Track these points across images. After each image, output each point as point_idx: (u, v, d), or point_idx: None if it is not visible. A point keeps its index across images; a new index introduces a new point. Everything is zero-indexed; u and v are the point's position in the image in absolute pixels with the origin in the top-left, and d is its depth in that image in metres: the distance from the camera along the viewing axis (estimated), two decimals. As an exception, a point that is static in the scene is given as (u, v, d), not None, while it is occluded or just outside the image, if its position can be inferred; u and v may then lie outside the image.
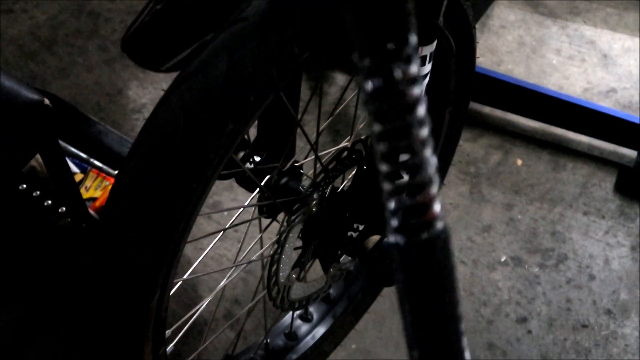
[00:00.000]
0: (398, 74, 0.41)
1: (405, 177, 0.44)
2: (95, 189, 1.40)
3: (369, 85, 0.41)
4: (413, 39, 0.41)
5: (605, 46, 2.10)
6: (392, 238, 0.44)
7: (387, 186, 0.44)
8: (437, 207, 0.44)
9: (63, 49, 2.00)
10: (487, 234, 1.65)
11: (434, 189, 0.43)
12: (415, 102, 0.41)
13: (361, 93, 0.43)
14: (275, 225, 1.12)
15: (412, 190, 0.43)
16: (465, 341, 0.47)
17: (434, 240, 0.44)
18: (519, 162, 1.81)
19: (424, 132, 0.42)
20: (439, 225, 0.44)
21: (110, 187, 1.37)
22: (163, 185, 0.80)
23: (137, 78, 1.93)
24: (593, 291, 1.56)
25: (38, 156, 1.19)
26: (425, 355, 0.46)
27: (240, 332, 1.29)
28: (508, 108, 1.88)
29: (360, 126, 1.20)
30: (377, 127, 0.42)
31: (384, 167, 0.43)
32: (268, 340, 1.33)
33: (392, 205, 0.44)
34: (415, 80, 0.41)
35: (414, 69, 0.41)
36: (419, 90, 0.42)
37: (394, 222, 0.44)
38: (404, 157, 0.43)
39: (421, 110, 0.42)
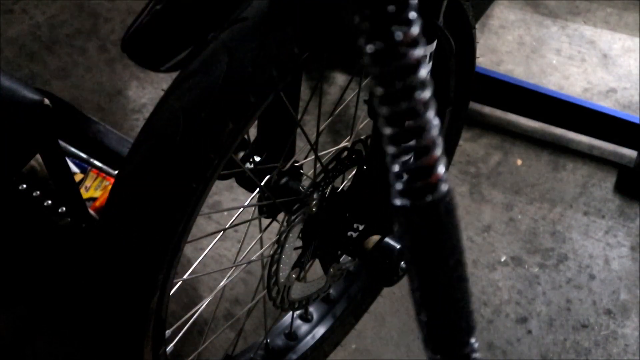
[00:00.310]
0: (399, 35, 0.41)
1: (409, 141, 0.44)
2: (95, 189, 1.40)
3: (370, 48, 0.41)
4: (413, 1, 0.41)
5: (605, 46, 2.10)
6: (397, 201, 0.44)
7: (391, 149, 0.43)
8: (441, 169, 0.43)
9: (63, 49, 2.00)
10: (487, 234, 1.65)
11: (438, 151, 0.43)
12: (416, 64, 0.41)
13: (363, 56, 0.42)
14: (275, 225, 1.12)
15: (416, 152, 0.43)
16: (472, 303, 0.47)
17: (438, 203, 0.43)
18: (519, 162, 1.81)
19: (427, 94, 0.42)
20: (443, 187, 0.44)
21: (110, 187, 1.37)
22: (163, 185, 0.80)
23: (137, 78, 1.93)
24: (593, 291, 1.56)
25: (38, 156, 1.19)
26: (433, 317, 0.46)
27: (240, 332, 1.29)
28: (508, 108, 1.88)
29: (360, 126, 1.20)
30: (379, 90, 0.42)
31: (387, 130, 0.43)
32: (268, 340, 1.33)
33: (396, 168, 0.44)
34: (416, 42, 0.41)
35: (414, 31, 0.41)
36: (420, 52, 0.41)
37: (399, 185, 0.43)
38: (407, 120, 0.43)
39: (423, 72, 0.41)
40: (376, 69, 0.42)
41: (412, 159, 0.43)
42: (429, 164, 0.43)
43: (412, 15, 0.40)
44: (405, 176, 0.43)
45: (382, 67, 0.41)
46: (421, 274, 0.45)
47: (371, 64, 0.41)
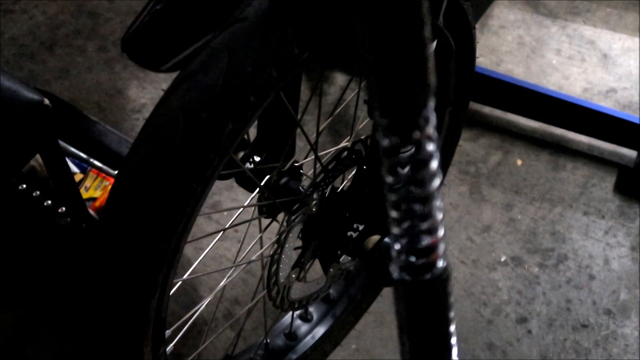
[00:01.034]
0: (416, 134, 0.42)
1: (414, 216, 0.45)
2: (95, 189, 1.40)
3: (386, 142, 0.43)
4: (431, 105, 0.42)
5: (605, 46, 2.10)
6: (396, 274, 0.46)
7: (395, 230, 0.46)
8: (441, 249, 0.46)
9: (63, 49, 2.00)
10: (487, 234, 1.65)
11: (440, 232, 0.45)
12: (429, 159, 0.43)
13: (379, 148, 0.44)
14: (275, 225, 1.12)
15: (420, 234, 0.45)
16: None
17: (435, 280, 0.46)
18: (519, 162, 1.81)
19: (435, 183, 0.44)
20: (441, 264, 0.46)
21: (110, 187, 1.37)
22: (163, 185, 0.80)
23: (137, 78, 1.93)
24: (593, 291, 1.56)
25: (38, 156, 1.19)
26: None
27: (240, 332, 1.29)
28: (508, 108, 1.88)
29: (360, 126, 1.20)
30: (389, 179, 0.44)
31: (394, 214, 0.45)
32: (268, 340, 1.33)
33: (398, 246, 0.46)
34: (431, 139, 0.43)
35: (430, 130, 0.43)
36: (433, 147, 0.43)
37: (400, 261, 0.46)
38: (414, 206, 0.45)
39: (434, 165, 0.43)
40: (389, 161, 0.44)
41: (414, 238, 0.45)
42: (431, 244, 0.46)
43: (429, 113, 0.42)
44: (406, 254, 0.46)
45: (396, 160, 0.43)
46: (412, 341, 0.48)
47: (385, 155, 0.44)
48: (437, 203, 0.45)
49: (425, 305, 0.47)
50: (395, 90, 0.41)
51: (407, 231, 0.45)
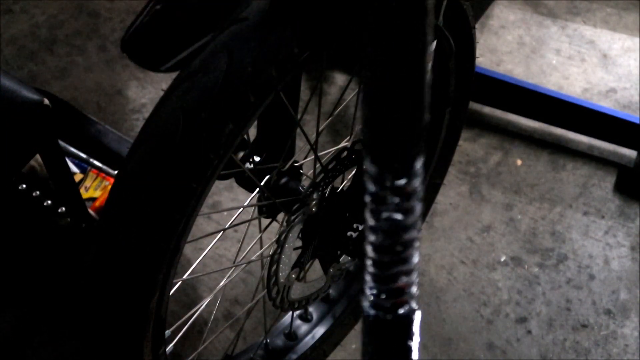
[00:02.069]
0: (403, 186, 0.44)
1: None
2: (95, 189, 1.40)
3: (372, 189, 0.45)
4: (418, 177, 0.44)
5: (605, 46, 2.10)
6: (365, 307, 0.49)
7: (370, 267, 0.47)
8: (412, 291, 0.48)
9: (63, 49, 2.00)
10: (486, 234, 1.65)
11: (414, 277, 0.48)
12: (411, 209, 0.45)
13: (364, 203, 0.45)
14: (275, 225, 1.12)
15: (392, 278, 0.47)
16: None
17: (401, 320, 0.48)
18: (519, 162, 1.81)
19: (415, 232, 0.46)
20: (410, 307, 0.48)
21: (109, 187, 1.37)
22: (163, 185, 0.80)
23: (136, 78, 1.93)
24: (593, 291, 1.56)
25: (38, 156, 1.19)
26: None
27: (240, 332, 1.29)
28: (508, 108, 1.88)
29: (360, 126, 1.20)
30: (370, 221, 0.46)
31: (371, 253, 0.47)
32: (268, 340, 1.33)
33: (371, 282, 0.48)
34: (416, 192, 0.45)
35: (417, 184, 0.44)
36: (417, 199, 0.45)
37: (369, 296, 0.48)
38: (393, 248, 0.47)
39: (416, 214, 0.46)
40: (373, 206, 0.46)
41: (388, 278, 0.48)
42: (403, 287, 0.48)
43: (418, 167, 0.44)
44: (378, 291, 0.48)
45: (380, 207, 0.45)
46: None
47: (370, 200, 0.45)
48: (415, 248, 0.47)
49: (389, 342, 0.49)
50: (389, 143, 0.43)
51: (381, 270, 0.47)
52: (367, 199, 0.45)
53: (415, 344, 0.50)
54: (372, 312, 0.48)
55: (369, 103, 0.43)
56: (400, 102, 0.43)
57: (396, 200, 0.44)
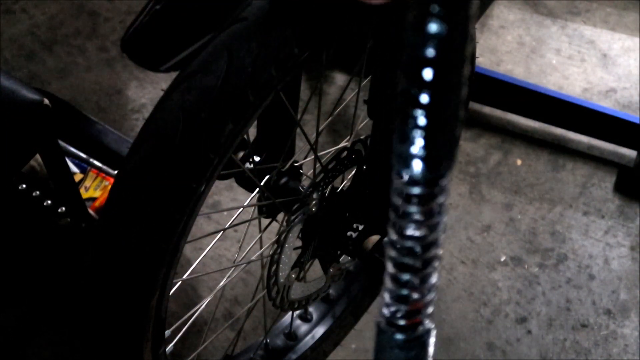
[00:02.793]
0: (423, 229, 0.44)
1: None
2: (95, 189, 1.40)
3: (395, 221, 0.45)
4: (445, 193, 0.44)
5: (605, 46, 2.10)
6: (379, 321, 0.48)
7: (388, 286, 0.47)
8: (427, 313, 0.48)
9: (63, 49, 2.00)
10: (486, 234, 1.65)
11: (432, 296, 0.47)
12: (436, 225, 0.45)
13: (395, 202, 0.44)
14: (275, 225, 1.12)
15: (410, 296, 0.47)
16: None
17: (412, 341, 0.48)
18: (519, 162, 1.81)
19: (438, 250, 0.45)
20: (421, 328, 0.48)
21: (109, 187, 1.37)
22: (163, 185, 0.80)
23: (136, 78, 1.93)
24: (593, 291, 1.56)
25: (38, 156, 1.19)
26: None
27: (240, 332, 1.29)
28: (508, 108, 1.88)
29: (360, 126, 1.20)
30: (390, 268, 0.46)
31: (390, 270, 0.46)
32: (268, 340, 1.33)
33: (388, 300, 0.48)
34: (437, 226, 0.44)
35: (440, 220, 0.44)
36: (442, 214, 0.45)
37: (385, 313, 0.48)
38: (413, 265, 0.46)
39: (441, 231, 0.45)
40: (394, 234, 0.45)
41: (406, 297, 0.47)
42: (418, 308, 0.47)
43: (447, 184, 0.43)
44: (396, 311, 0.48)
45: (406, 224, 0.45)
46: None
47: (391, 227, 0.45)
48: (436, 266, 0.46)
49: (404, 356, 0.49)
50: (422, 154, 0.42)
51: (400, 288, 0.47)
52: (392, 214, 0.45)
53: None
54: (386, 329, 0.48)
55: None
56: (441, 109, 0.42)
57: (421, 216, 0.44)
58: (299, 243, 1.10)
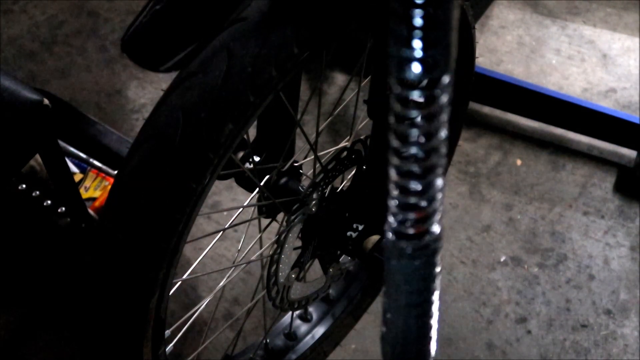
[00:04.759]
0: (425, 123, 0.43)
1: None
2: (95, 189, 1.40)
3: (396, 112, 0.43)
4: (447, 91, 0.43)
5: (605, 46, 2.10)
6: (386, 233, 0.47)
7: (392, 193, 0.46)
8: (433, 221, 0.46)
9: (62, 49, 2.00)
10: (486, 234, 1.65)
11: (436, 204, 0.46)
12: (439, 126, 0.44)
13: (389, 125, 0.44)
14: (275, 225, 1.12)
15: (415, 202, 0.45)
16: (434, 341, 0.51)
17: (419, 249, 0.47)
18: (519, 162, 1.81)
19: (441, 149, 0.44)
20: (428, 237, 0.47)
21: (109, 187, 1.37)
22: (162, 185, 0.80)
23: (136, 78, 1.93)
24: (592, 291, 1.56)
25: (38, 156, 1.19)
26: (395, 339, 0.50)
27: (240, 332, 1.29)
28: (507, 108, 1.88)
29: (360, 126, 1.20)
30: (395, 143, 0.44)
31: (392, 176, 0.45)
32: (267, 340, 1.33)
33: (393, 209, 0.46)
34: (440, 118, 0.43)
35: (443, 117, 0.43)
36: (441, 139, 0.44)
37: (391, 223, 0.46)
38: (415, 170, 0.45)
39: (444, 124, 0.44)
40: (395, 161, 0.44)
41: (411, 204, 0.46)
42: (427, 213, 0.46)
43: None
44: (402, 220, 0.46)
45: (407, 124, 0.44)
46: (389, 305, 0.51)
47: (392, 121, 0.44)
48: (439, 172, 0.45)
49: (411, 271, 0.48)
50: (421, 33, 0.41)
51: (404, 194, 0.46)
52: (392, 120, 0.43)
53: (437, 272, 0.49)
54: (393, 239, 0.47)
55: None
56: None
57: (421, 120, 0.42)
58: (298, 243, 1.10)
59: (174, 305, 1.45)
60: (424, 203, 0.45)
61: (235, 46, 0.79)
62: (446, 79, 0.41)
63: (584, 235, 1.66)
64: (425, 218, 0.46)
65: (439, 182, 0.45)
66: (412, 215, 0.46)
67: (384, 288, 0.49)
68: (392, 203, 0.46)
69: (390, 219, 0.46)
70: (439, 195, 0.45)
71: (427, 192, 0.45)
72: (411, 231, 0.46)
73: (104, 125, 1.41)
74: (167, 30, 0.82)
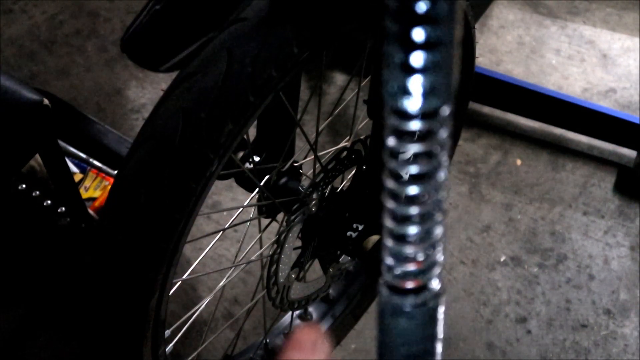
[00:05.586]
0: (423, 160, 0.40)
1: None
2: (95, 189, 1.40)
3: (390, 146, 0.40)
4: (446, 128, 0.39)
5: (605, 46, 2.10)
6: (380, 286, 0.43)
7: (386, 242, 0.42)
8: (433, 272, 0.41)
9: (62, 49, 2.00)
10: (486, 234, 1.65)
11: (436, 255, 0.41)
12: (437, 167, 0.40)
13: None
14: (275, 225, 1.12)
15: (411, 252, 0.41)
16: None
17: (416, 307, 0.42)
18: (519, 162, 1.81)
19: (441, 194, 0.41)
20: (428, 292, 0.42)
21: (109, 187, 1.37)
22: (162, 185, 0.80)
23: (136, 78, 1.93)
24: (592, 291, 1.56)
25: (38, 156, 1.19)
26: None
27: (240, 332, 1.29)
28: (507, 108, 1.88)
29: (360, 126, 1.20)
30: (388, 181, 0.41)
31: (387, 235, 0.42)
32: (267, 340, 1.33)
33: (387, 259, 0.42)
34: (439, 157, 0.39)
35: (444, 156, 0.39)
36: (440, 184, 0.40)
37: (385, 274, 0.42)
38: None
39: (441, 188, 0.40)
40: (389, 177, 0.41)
41: (406, 255, 0.42)
42: (426, 265, 0.41)
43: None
44: (396, 272, 0.42)
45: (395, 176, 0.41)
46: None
47: (386, 160, 0.41)
48: (440, 219, 0.41)
49: (406, 332, 0.43)
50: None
51: (398, 242, 0.42)
52: (386, 155, 0.39)
53: (438, 332, 0.43)
54: (387, 294, 0.42)
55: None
56: None
57: (420, 144, 0.38)
58: (298, 243, 1.10)
59: (174, 305, 1.45)
60: (420, 252, 0.41)
61: (235, 46, 0.79)
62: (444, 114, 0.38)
63: (584, 235, 1.66)
64: (422, 270, 0.41)
65: (439, 232, 0.41)
66: (407, 266, 0.41)
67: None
68: (385, 253, 0.42)
69: (384, 271, 0.42)
70: (438, 246, 0.41)
71: (426, 240, 0.41)
72: (406, 285, 0.41)
73: (104, 125, 1.41)
74: (166, 31, 0.82)
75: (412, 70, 0.37)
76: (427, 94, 0.38)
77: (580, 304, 1.54)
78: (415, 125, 0.38)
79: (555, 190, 1.75)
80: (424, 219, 0.41)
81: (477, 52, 1.20)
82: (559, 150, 1.84)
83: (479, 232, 1.65)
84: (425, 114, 0.38)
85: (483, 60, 2.02)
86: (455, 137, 1.40)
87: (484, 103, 1.89)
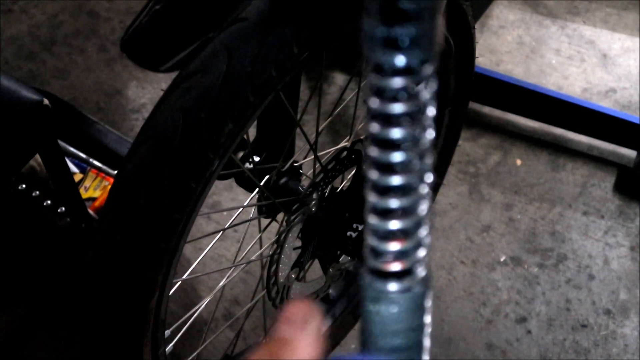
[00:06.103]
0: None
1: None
2: (95, 189, 1.40)
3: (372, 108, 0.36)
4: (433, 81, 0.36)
5: (605, 46, 2.10)
6: (362, 270, 0.39)
7: (369, 222, 0.38)
8: (418, 258, 0.38)
9: (62, 49, 2.00)
10: (486, 234, 1.65)
11: (421, 236, 0.38)
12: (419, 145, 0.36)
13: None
14: (275, 225, 1.12)
15: (392, 231, 0.38)
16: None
17: (400, 293, 0.38)
18: (519, 162, 1.81)
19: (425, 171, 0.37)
20: (412, 277, 0.38)
21: (109, 187, 1.37)
22: (162, 185, 0.80)
23: (136, 78, 1.93)
24: (592, 291, 1.56)
25: (38, 156, 1.19)
26: None
27: (240, 332, 1.29)
28: (507, 108, 1.88)
29: (360, 126, 1.20)
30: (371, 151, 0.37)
31: (371, 212, 0.38)
32: (267, 340, 1.32)
33: (369, 241, 0.38)
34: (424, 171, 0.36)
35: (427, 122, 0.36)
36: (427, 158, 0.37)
37: (368, 257, 0.38)
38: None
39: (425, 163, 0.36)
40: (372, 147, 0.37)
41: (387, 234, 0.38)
42: (408, 249, 0.38)
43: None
44: (378, 254, 0.38)
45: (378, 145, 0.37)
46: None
47: (369, 127, 0.37)
48: (425, 188, 0.37)
49: (390, 318, 0.38)
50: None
51: (380, 220, 0.37)
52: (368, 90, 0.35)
53: (426, 323, 0.39)
54: (369, 278, 0.38)
55: None
56: None
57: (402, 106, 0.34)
58: (298, 243, 1.10)
59: (174, 305, 1.45)
60: (405, 235, 0.37)
61: (235, 46, 0.79)
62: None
63: (584, 235, 1.66)
64: (407, 252, 0.37)
65: (424, 207, 0.37)
66: (390, 246, 0.37)
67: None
68: (369, 235, 0.38)
69: (367, 255, 0.38)
70: (424, 228, 0.37)
71: (410, 219, 0.37)
72: (391, 268, 0.37)
73: (104, 125, 1.41)
74: (166, 31, 0.82)
75: (394, 21, 0.34)
76: (408, 48, 0.34)
77: (580, 304, 1.54)
78: (396, 82, 0.34)
79: (555, 190, 1.75)
80: (406, 190, 0.36)
81: (477, 52, 1.20)
82: (559, 150, 1.84)
83: (479, 232, 1.65)
84: (407, 70, 0.34)
85: (483, 60, 2.02)
86: (455, 137, 1.40)
87: (484, 103, 1.89)
